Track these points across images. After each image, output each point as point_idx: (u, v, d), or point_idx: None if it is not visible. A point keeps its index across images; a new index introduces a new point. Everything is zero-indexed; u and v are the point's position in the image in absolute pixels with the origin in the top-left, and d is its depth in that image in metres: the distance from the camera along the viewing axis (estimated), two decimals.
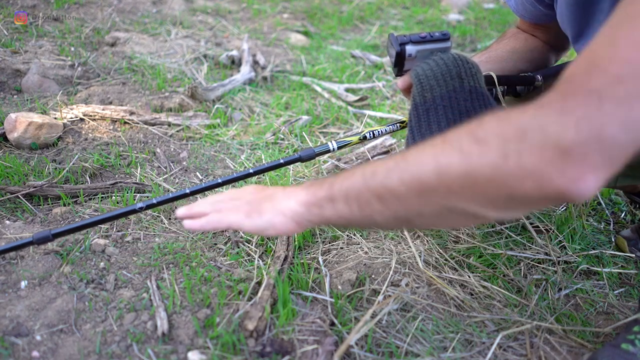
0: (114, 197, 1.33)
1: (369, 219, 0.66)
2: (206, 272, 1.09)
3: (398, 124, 1.12)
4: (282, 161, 1.04)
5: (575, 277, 1.20)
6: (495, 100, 1.09)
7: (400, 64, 1.00)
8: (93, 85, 1.93)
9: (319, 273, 1.12)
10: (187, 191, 0.99)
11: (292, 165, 1.50)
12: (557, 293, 1.14)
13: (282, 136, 1.76)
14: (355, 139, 1.10)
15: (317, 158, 1.55)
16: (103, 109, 1.70)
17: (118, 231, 1.21)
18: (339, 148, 1.10)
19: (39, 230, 1.17)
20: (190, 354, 0.88)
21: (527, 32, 1.23)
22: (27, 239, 0.92)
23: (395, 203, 0.62)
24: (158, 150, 1.59)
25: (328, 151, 1.09)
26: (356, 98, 2.11)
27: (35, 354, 0.87)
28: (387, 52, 1.00)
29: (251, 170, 1.03)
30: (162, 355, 0.89)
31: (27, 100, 1.76)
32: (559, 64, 1.27)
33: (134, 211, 0.97)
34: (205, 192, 1.42)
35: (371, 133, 1.11)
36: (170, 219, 1.29)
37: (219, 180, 1.01)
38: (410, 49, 0.97)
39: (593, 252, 1.27)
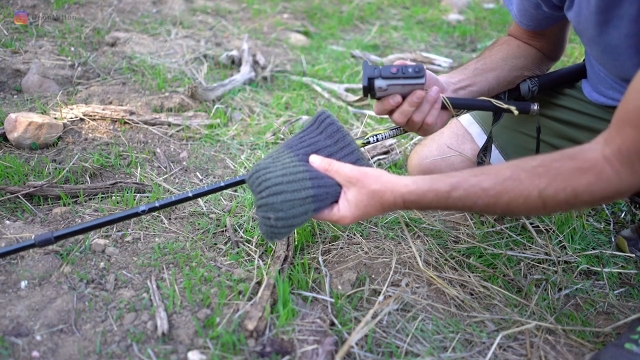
0: (114, 197, 1.33)
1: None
2: (206, 272, 1.09)
3: (400, 128, 1.12)
4: None
5: (575, 277, 1.20)
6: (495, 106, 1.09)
7: (370, 94, 1.00)
8: (93, 85, 1.93)
9: (319, 273, 1.12)
10: (190, 194, 0.99)
11: None
12: (557, 293, 1.14)
13: (282, 136, 1.76)
14: (358, 143, 1.10)
15: None
16: (103, 109, 1.70)
17: (118, 231, 1.21)
18: None
19: (40, 231, 1.17)
20: (190, 354, 0.88)
21: (521, 39, 1.22)
22: (29, 241, 0.92)
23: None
24: (158, 150, 1.59)
25: None
26: (356, 98, 2.11)
27: (35, 354, 0.87)
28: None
29: None
30: (162, 355, 0.89)
31: (27, 100, 1.76)
32: (552, 70, 1.27)
33: (136, 214, 0.97)
34: (208, 195, 1.43)
35: (375, 138, 1.11)
36: (170, 218, 1.29)
37: (222, 184, 1.01)
38: (379, 83, 0.97)
39: (593, 252, 1.27)
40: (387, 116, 1.07)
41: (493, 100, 1.08)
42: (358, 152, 0.96)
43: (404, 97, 1.00)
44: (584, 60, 1.20)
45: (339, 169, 0.88)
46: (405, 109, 1.01)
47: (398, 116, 1.02)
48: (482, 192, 0.80)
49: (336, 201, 0.91)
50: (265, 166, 0.88)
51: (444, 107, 1.05)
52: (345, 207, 0.88)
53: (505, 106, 1.07)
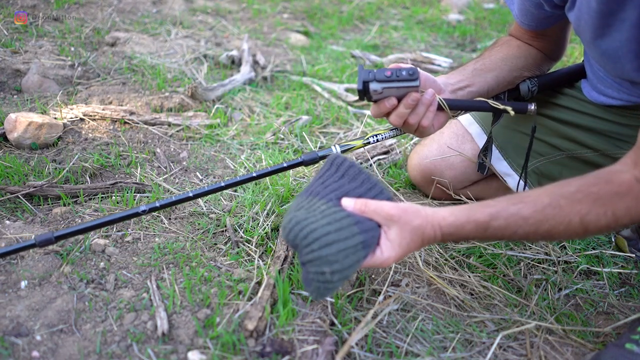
0: (114, 197, 1.33)
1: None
2: (206, 272, 1.09)
3: (399, 129, 1.12)
4: (285, 165, 1.04)
5: (575, 277, 1.20)
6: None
7: (367, 97, 1.01)
8: (93, 85, 1.93)
9: None
10: (190, 194, 0.99)
11: None
12: (557, 293, 1.14)
13: (282, 136, 1.76)
14: (359, 143, 1.10)
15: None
16: (103, 109, 1.70)
17: (118, 231, 1.21)
18: (342, 152, 1.09)
19: (40, 231, 1.17)
20: (190, 354, 0.88)
21: (521, 40, 1.22)
22: (30, 242, 0.92)
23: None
24: (158, 150, 1.59)
25: None
26: (356, 98, 2.11)
27: (35, 354, 0.87)
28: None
29: (254, 174, 1.03)
30: (162, 355, 0.89)
31: (27, 100, 1.76)
32: (552, 70, 1.28)
33: (137, 214, 0.97)
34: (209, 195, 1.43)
35: (375, 138, 1.11)
36: (170, 218, 1.29)
37: (222, 184, 1.01)
38: (374, 86, 0.97)
39: (593, 252, 1.27)
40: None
41: (490, 101, 1.08)
42: (387, 192, 0.91)
43: (399, 100, 1.01)
44: (583, 60, 1.20)
45: (376, 208, 0.83)
46: (401, 111, 1.01)
47: (394, 118, 1.03)
48: (522, 221, 0.79)
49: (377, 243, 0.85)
50: (303, 217, 0.80)
51: (441, 108, 1.05)
52: (388, 248, 0.83)
53: (502, 107, 1.07)
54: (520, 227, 0.79)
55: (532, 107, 1.09)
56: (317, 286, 0.79)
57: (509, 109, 1.07)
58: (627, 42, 0.87)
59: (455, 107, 1.07)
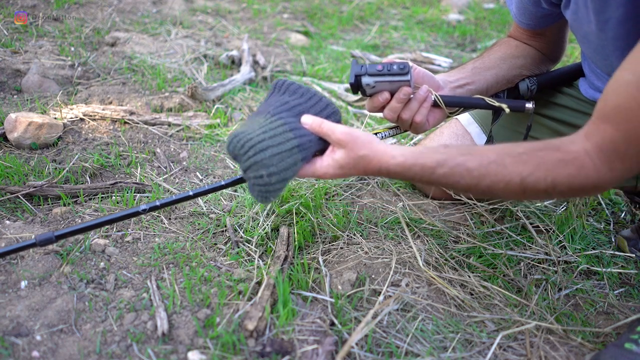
0: (114, 197, 1.33)
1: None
2: (206, 272, 1.09)
3: (399, 127, 1.12)
4: None
5: (575, 277, 1.20)
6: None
7: (360, 91, 1.03)
8: (93, 85, 1.93)
9: (319, 273, 1.12)
10: (190, 193, 0.99)
11: None
12: (557, 293, 1.14)
13: None
14: None
15: None
16: (103, 109, 1.70)
17: (118, 231, 1.21)
18: None
19: (40, 231, 1.17)
20: (190, 354, 0.88)
21: (520, 40, 1.23)
22: (30, 241, 0.91)
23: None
24: (158, 150, 1.59)
25: None
26: (356, 98, 2.11)
27: (35, 354, 0.87)
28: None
29: None
30: (162, 355, 0.89)
31: (27, 100, 1.76)
32: (553, 69, 1.28)
33: (137, 213, 0.97)
34: (209, 195, 1.43)
35: None
36: (170, 218, 1.29)
37: (222, 183, 1.01)
38: (366, 80, 1.00)
39: (593, 252, 1.27)
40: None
41: (486, 99, 1.08)
42: (332, 106, 0.97)
43: (392, 94, 1.02)
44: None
45: (328, 131, 0.89)
46: (394, 105, 1.03)
47: (387, 113, 1.05)
48: (466, 172, 0.82)
49: (319, 152, 0.92)
50: (241, 131, 0.87)
51: (436, 105, 1.05)
52: (329, 164, 0.90)
53: (497, 104, 1.07)
54: (463, 178, 0.82)
55: (530, 105, 1.09)
56: (258, 190, 0.86)
57: (504, 106, 1.07)
58: (614, 40, 0.89)
59: (451, 103, 1.08)
